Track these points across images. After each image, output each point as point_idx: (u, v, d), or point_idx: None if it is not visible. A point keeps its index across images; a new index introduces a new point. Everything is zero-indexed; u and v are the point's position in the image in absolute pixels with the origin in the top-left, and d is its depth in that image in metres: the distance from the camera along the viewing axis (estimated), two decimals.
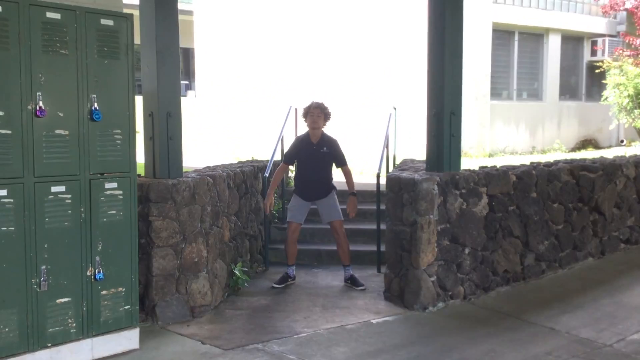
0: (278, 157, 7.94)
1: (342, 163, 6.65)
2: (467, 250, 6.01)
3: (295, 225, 6.62)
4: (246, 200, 6.88)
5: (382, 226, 6.66)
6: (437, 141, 6.01)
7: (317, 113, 6.53)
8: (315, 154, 6.54)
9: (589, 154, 13.40)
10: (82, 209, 4.41)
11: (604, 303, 5.96)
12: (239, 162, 7.60)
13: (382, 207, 6.76)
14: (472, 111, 13.18)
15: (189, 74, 20.45)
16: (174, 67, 5.55)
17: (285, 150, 7.20)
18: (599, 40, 16.19)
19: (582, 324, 5.37)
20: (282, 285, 6.47)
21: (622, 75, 14.81)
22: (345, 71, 13.96)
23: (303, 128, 6.85)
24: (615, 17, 16.68)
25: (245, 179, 6.84)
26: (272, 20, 15.18)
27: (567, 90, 16.29)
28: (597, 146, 16.27)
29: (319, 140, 6.55)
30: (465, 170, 6.23)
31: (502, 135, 14.35)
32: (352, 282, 6.48)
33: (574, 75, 16.56)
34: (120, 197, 4.62)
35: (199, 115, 16.57)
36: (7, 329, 4.11)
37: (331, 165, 6.68)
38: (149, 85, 5.51)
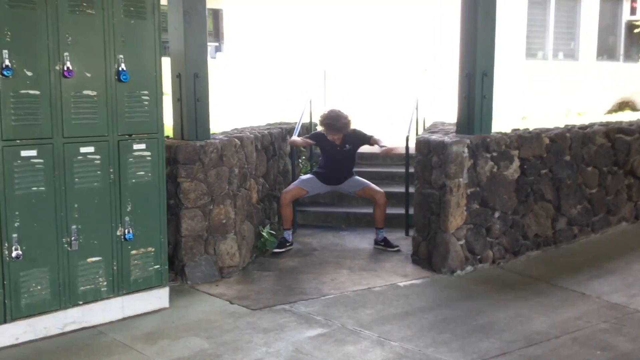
0: (306, 119, 7.87)
1: (368, 140, 6.56)
2: (497, 214, 5.93)
3: (296, 189, 6.52)
4: (274, 163, 6.87)
5: (411, 189, 6.60)
6: (469, 103, 5.88)
7: (334, 132, 6.39)
8: (339, 153, 6.52)
9: (626, 115, 13.03)
10: (111, 170, 4.45)
11: (637, 268, 5.85)
12: (267, 125, 7.56)
13: (411, 170, 6.68)
14: (506, 72, 12.88)
15: (219, 35, 20.33)
16: (201, 27, 5.49)
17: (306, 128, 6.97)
18: None
19: (613, 289, 5.29)
20: (282, 250, 6.33)
21: None
22: (376, 33, 13.70)
23: (332, 91, 6.72)
24: None
25: (273, 141, 6.81)
26: None
27: (605, 51, 15.79)
28: (634, 108, 15.81)
29: (340, 140, 6.48)
30: (497, 132, 6.10)
31: (536, 97, 14.02)
32: (385, 244, 6.45)
33: (612, 34, 16.02)
34: (149, 158, 4.64)
35: (228, 77, 16.52)
36: (39, 287, 4.20)
37: (354, 156, 6.64)
38: (176, 46, 5.47)
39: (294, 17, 15.15)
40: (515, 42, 13.38)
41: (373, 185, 6.62)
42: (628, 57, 16.19)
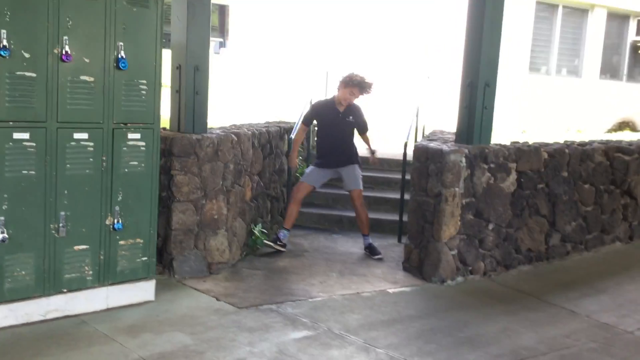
0: None
1: (364, 130, 6.58)
2: (491, 226, 5.89)
3: (305, 185, 6.48)
4: (270, 161, 6.81)
5: (407, 196, 6.56)
6: (469, 112, 5.84)
7: (357, 93, 6.32)
8: (341, 122, 6.41)
9: (625, 135, 13.01)
10: (104, 158, 4.38)
11: (628, 289, 5.82)
12: (266, 122, 7.51)
13: (408, 176, 6.64)
14: (508, 85, 12.86)
15: (224, 31, 20.27)
16: (205, 20, 5.44)
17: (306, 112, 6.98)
18: None
19: (604, 309, 5.25)
20: (272, 247, 6.24)
21: None
22: (381, 37, 13.67)
23: (334, 92, 6.67)
24: None
25: (271, 139, 6.76)
26: None
27: (608, 69, 15.79)
28: (634, 129, 15.80)
29: (345, 108, 6.41)
30: (496, 144, 6.06)
31: (537, 111, 14.00)
32: (370, 251, 6.41)
33: (616, 54, 16.03)
34: (143, 148, 4.58)
35: (231, 73, 16.46)
36: (23, 272, 4.14)
37: (354, 133, 6.57)
38: (178, 37, 5.42)
39: (300, 16, 15.11)
40: (519, 55, 13.37)
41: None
42: (631, 77, 16.20)
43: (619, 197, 7.21)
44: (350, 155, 6.50)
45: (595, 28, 14.97)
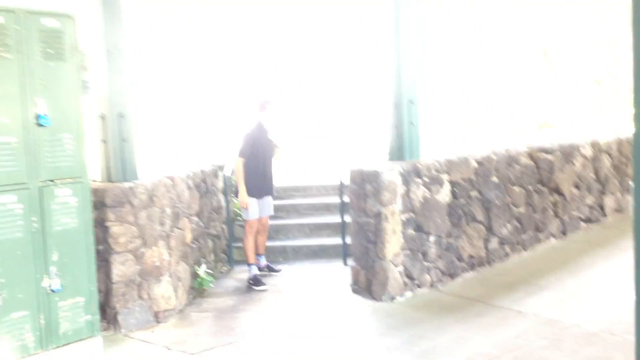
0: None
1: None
2: (432, 238, 6.01)
3: (254, 221, 6.58)
4: (207, 200, 6.74)
5: (347, 219, 6.62)
6: (397, 130, 5.97)
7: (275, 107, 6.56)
8: (270, 145, 6.60)
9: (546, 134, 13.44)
10: (34, 219, 4.23)
11: (569, 283, 6.03)
12: (197, 161, 7.43)
13: (347, 199, 6.71)
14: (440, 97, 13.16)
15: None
16: (125, 66, 5.37)
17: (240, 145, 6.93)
18: None
19: (549, 305, 5.42)
20: (265, 287, 6.29)
21: None
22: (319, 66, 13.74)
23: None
24: None
25: (205, 178, 6.70)
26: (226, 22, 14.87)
27: None
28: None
29: (268, 131, 6.59)
30: (427, 158, 6.21)
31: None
32: (254, 283, 6.40)
33: None
34: (74, 203, 4.45)
35: (157, 116, 16.19)
36: None
37: None
38: (100, 85, 5.32)
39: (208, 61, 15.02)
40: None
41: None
42: None
43: (548, 195, 7.51)
44: (271, 177, 6.74)
45: None
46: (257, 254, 6.73)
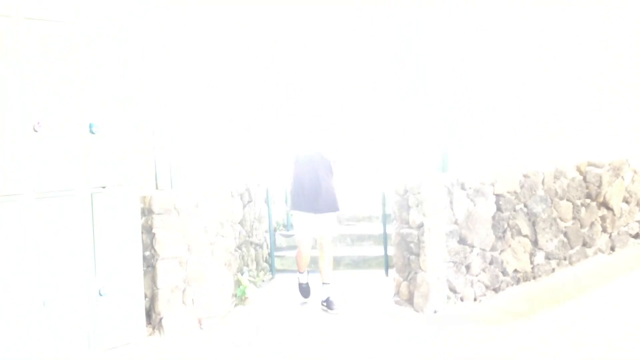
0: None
1: None
2: (475, 251, 5.93)
3: (301, 246, 6.14)
4: (250, 209, 6.81)
5: (390, 230, 6.59)
6: (440, 141, 5.94)
7: None
8: (319, 156, 6.09)
9: None
10: (85, 223, 4.35)
11: (616, 301, 5.86)
12: (241, 171, 7.52)
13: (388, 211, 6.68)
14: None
15: None
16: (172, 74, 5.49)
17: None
18: None
19: (595, 323, 5.27)
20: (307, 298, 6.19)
21: None
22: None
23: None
24: None
25: (249, 187, 6.77)
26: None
27: None
28: None
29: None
30: (472, 170, 6.15)
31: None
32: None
33: None
34: (123, 209, 4.56)
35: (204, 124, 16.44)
36: None
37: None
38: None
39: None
40: None
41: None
42: None
43: (596, 210, 7.33)
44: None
45: None
46: (323, 282, 6.13)
